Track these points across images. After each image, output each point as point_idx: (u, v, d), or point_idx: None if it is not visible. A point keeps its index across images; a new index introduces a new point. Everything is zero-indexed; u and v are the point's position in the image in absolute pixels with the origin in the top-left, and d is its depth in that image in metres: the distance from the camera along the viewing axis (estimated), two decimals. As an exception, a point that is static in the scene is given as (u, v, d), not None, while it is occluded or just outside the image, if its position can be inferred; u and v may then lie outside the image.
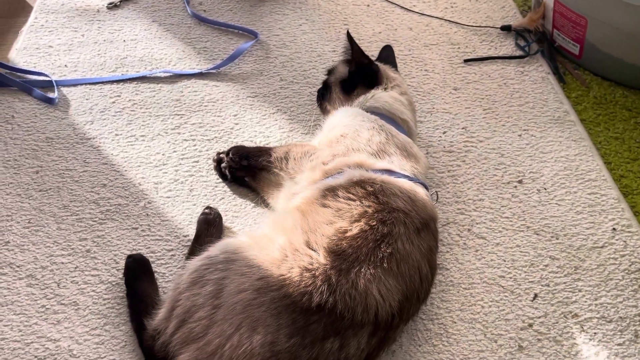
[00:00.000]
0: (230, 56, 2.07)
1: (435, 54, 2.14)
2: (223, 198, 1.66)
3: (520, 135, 1.84)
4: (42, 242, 1.54)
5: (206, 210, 1.57)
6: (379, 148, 1.44)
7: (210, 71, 2.05)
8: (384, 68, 1.74)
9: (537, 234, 1.56)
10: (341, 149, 1.45)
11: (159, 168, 1.74)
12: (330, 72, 1.82)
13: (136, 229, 1.58)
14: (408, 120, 1.61)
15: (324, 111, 1.76)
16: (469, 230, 1.58)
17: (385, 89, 1.66)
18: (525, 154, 1.78)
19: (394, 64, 1.85)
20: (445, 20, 2.29)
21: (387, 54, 1.89)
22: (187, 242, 1.54)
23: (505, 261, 1.50)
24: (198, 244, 1.48)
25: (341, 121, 1.55)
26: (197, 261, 1.27)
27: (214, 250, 1.29)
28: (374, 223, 1.24)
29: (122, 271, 1.46)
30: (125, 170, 1.73)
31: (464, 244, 1.55)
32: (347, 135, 1.48)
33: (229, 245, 1.29)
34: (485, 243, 1.55)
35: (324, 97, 1.77)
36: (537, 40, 2.18)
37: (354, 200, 1.28)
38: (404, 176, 1.38)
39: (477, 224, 1.59)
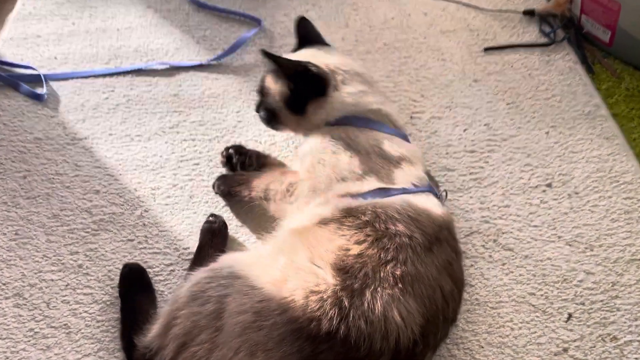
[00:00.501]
0: (231, 46, 1.92)
1: (453, 41, 1.98)
2: (226, 205, 1.53)
3: (547, 133, 1.69)
4: (30, 256, 1.42)
5: (210, 219, 1.44)
6: (364, 170, 1.26)
7: (211, 63, 1.90)
8: (319, 57, 1.43)
9: (570, 245, 1.43)
10: (323, 182, 1.27)
11: (156, 172, 1.60)
12: (261, 91, 1.49)
13: (132, 240, 1.45)
14: (378, 106, 1.38)
15: (281, 131, 1.55)
16: (494, 241, 1.44)
17: (336, 86, 1.38)
18: (553, 153, 1.64)
19: (319, 39, 1.55)
20: (463, 4, 2.12)
21: (307, 31, 1.56)
22: (188, 256, 1.42)
23: (535, 276, 1.37)
24: (201, 256, 1.36)
25: (315, 146, 1.35)
26: (200, 273, 1.16)
27: (219, 263, 1.17)
28: (376, 250, 1.11)
29: (117, 290, 1.34)
30: (120, 175, 1.60)
31: (490, 256, 1.42)
32: (326, 163, 1.30)
33: (235, 259, 1.17)
34: (512, 255, 1.42)
35: (272, 121, 1.48)
36: (563, 26, 2.01)
37: (350, 230, 1.15)
38: (400, 190, 1.23)
39: (503, 233, 1.46)
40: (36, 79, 1.85)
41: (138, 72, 1.88)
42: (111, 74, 1.87)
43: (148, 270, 1.38)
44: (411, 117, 1.73)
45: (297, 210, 1.29)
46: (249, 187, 1.42)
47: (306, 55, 1.46)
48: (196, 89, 1.83)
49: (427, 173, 1.37)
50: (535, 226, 1.47)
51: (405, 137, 1.38)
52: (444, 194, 1.35)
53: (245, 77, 1.87)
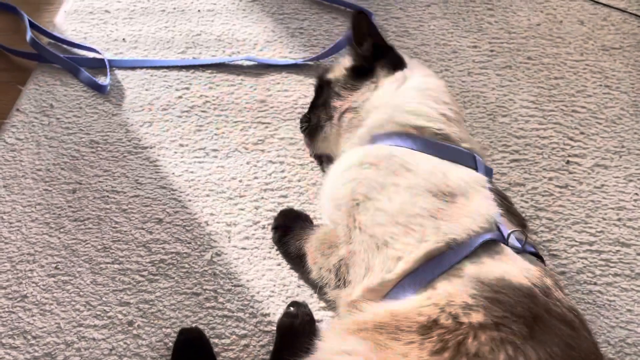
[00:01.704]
0: (334, 44, 1.55)
1: (619, 62, 1.53)
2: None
3: None
4: (70, 302, 1.11)
5: (291, 310, 1.05)
6: (435, 224, 0.86)
7: (308, 63, 1.54)
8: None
9: None
10: (377, 259, 0.88)
11: (233, 201, 1.26)
12: (323, 75, 1.24)
13: (198, 295, 1.12)
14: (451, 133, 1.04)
15: (318, 150, 1.25)
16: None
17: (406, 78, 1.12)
18: None
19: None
20: (631, 14, 1.66)
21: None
22: (267, 326, 1.08)
23: None
24: None
25: (355, 183, 0.98)
26: None
27: None
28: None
29: (175, 367, 1.02)
30: (189, 201, 1.26)
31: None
32: (378, 220, 0.91)
33: None
34: None
35: (316, 123, 1.21)
36: None
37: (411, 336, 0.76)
38: (456, 253, 0.83)
39: None
40: (99, 65, 1.53)
41: (219, 66, 1.54)
42: (187, 67, 1.54)
43: (215, 341, 1.05)
44: (567, 162, 1.31)
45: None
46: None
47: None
48: (288, 95, 1.47)
49: (496, 190, 0.95)
50: None
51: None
52: (514, 237, 0.87)
53: (349, 85, 1.49)
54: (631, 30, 1.62)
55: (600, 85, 1.48)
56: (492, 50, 1.56)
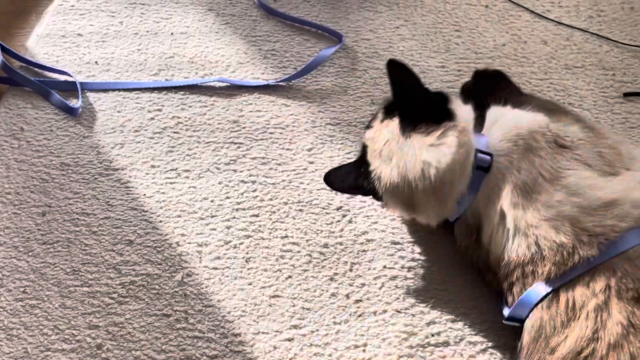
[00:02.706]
0: (306, 65, 1.57)
1: (582, 80, 1.58)
2: (290, 277, 1.18)
3: None
4: (38, 326, 1.10)
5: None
6: None
7: (280, 84, 1.56)
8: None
9: None
10: None
11: (205, 221, 1.27)
12: None
13: (168, 316, 1.11)
14: None
15: None
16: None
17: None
18: None
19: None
20: (592, 33, 1.72)
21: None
22: (239, 347, 1.07)
23: None
24: None
25: None
26: None
27: None
28: None
29: (144, 391, 1.01)
30: (160, 222, 1.26)
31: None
32: None
33: None
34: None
35: None
36: None
37: None
38: None
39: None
40: (71, 87, 1.54)
41: (192, 88, 1.55)
42: (160, 89, 1.55)
43: (186, 362, 1.04)
44: (532, 178, 1.34)
45: None
46: None
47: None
48: (260, 116, 1.49)
49: None
50: None
51: None
52: None
53: (320, 104, 1.52)
54: (592, 49, 1.68)
55: (564, 102, 1.52)
56: (459, 70, 1.61)
